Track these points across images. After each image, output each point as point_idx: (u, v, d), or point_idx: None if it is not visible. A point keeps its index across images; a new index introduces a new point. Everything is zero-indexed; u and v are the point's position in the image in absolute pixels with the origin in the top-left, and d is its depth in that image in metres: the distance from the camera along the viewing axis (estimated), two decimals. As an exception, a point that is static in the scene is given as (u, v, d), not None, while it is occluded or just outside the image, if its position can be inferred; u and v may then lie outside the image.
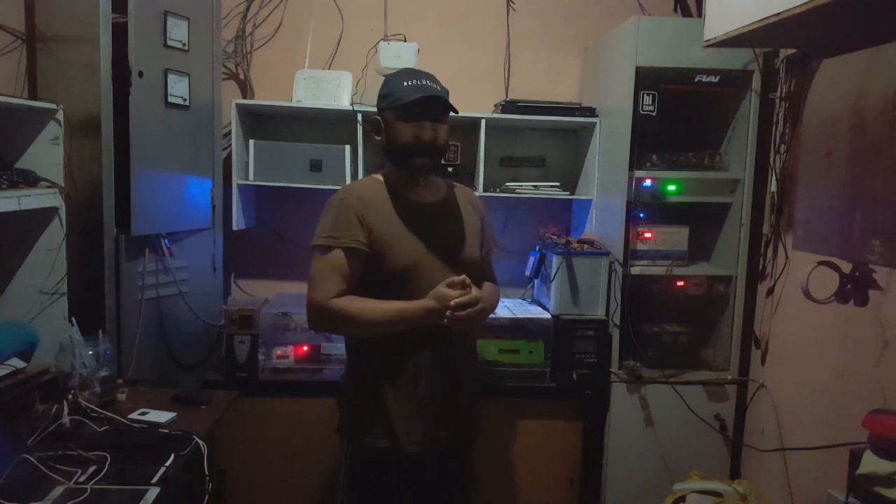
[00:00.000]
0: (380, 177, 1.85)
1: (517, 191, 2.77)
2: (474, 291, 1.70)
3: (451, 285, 1.68)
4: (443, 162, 2.69)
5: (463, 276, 1.70)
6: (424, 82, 1.73)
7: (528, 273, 2.80)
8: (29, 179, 1.92)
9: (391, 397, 1.76)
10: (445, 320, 1.66)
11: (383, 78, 1.85)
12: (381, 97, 1.79)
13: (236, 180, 2.62)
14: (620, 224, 2.51)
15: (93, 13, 2.05)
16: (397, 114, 1.73)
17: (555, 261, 2.59)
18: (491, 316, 2.57)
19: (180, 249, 2.43)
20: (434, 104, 1.72)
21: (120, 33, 2.09)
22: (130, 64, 2.10)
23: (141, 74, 2.14)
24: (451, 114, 1.77)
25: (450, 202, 1.87)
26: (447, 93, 1.77)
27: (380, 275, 1.74)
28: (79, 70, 2.12)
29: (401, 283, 1.73)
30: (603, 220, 2.71)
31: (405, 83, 1.73)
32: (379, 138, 1.80)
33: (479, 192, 2.71)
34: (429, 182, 1.85)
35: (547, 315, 2.61)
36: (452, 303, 1.66)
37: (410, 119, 1.71)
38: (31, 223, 1.98)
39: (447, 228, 1.83)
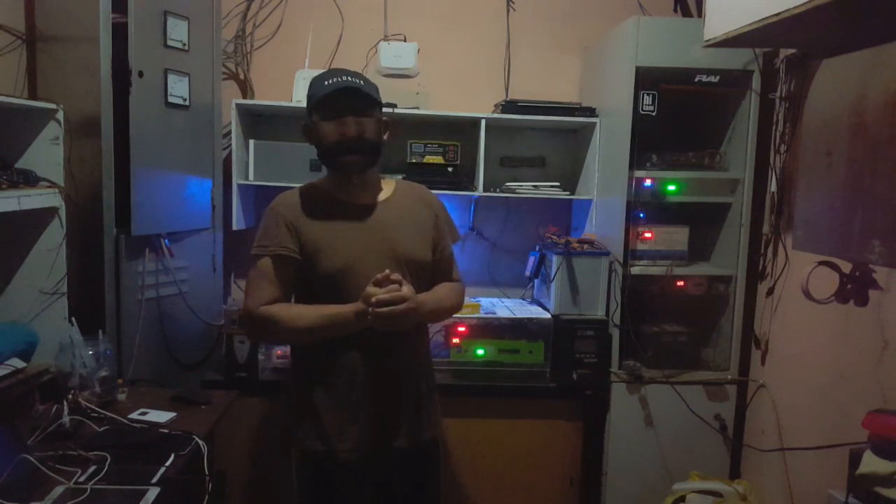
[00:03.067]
0: (315, 182, 1.81)
1: (517, 191, 2.77)
2: (404, 289, 1.60)
3: (376, 283, 1.60)
4: (444, 161, 2.72)
5: (386, 272, 1.61)
6: (345, 79, 1.66)
7: (528, 273, 2.80)
8: (29, 179, 1.92)
9: (325, 402, 1.71)
10: (368, 318, 1.59)
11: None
12: (307, 100, 1.72)
13: (236, 180, 2.62)
14: (620, 224, 2.51)
15: (93, 13, 2.05)
16: (320, 114, 1.67)
17: (555, 261, 2.59)
18: (491, 316, 2.60)
19: (180, 249, 2.43)
20: (353, 97, 1.65)
21: (120, 33, 2.09)
22: (130, 64, 2.10)
23: (141, 74, 2.14)
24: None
25: (393, 201, 1.79)
26: (376, 88, 1.72)
27: (314, 279, 1.69)
28: (79, 70, 2.12)
29: (335, 287, 1.67)
30: (603, 220, 2.71)
31: (326, 82, 1.66)
32: (311, 144, 1.74)
33: (479, 191, 2.71)
34: (367, 182, 1.76)
35: (547, 315, 2.61)
36: (373, 299, 1.57)
37: (332, 117, 1.65)
38: (31, 223, 1.98)
39: (386, 229, 1.73)
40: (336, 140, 1.66)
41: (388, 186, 1.83)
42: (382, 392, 1.71)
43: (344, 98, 1.64)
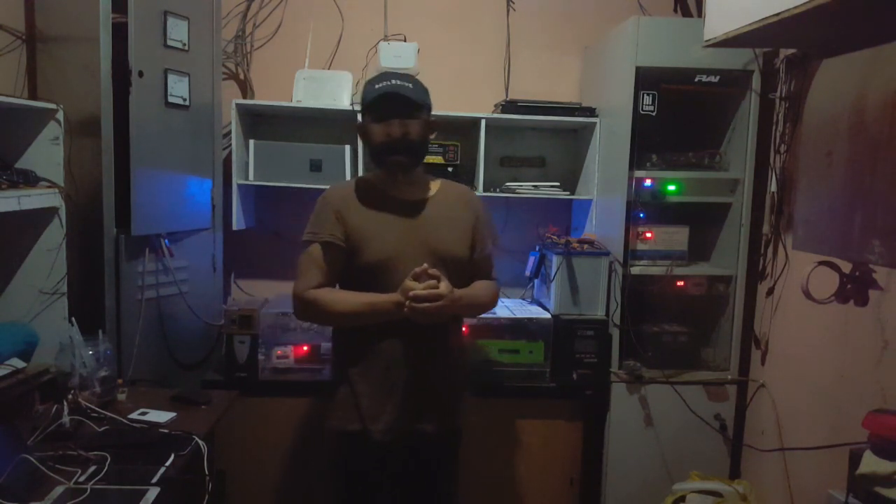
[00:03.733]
0: (367, 176, 1.94)
1: (517, 191, 2.77)
2: (442, 286, 1.71)
3: (415, 276, 1.71)
4: (444, 161, 2.72)
5: (424, 266, 1.72)
6: (393, 82, 1.77)
7: (528, 273, 2.80)
8: (29, 179, 1.92)
9: (362, 385, 1.81)
10: (405, 310, 1.69)
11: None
12: (361, 103, 1.85)
13: (236, 180, 2.62)
14: (620, 224, 2.51)
15: (93, 13, 2.05)
16: (370, 116, 1.79)
17: (555, 261, 2.59)
18: (491, 316, 2.60)
19: (180, 249, 2.43)
20: (399, 101, 1.75)
21: (120, 33, 2.09)
22: (130, 64, 2.10)
23: (141, 74, 2.14)
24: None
25: (436, 200, 1.90)
26: (424, 91, 1.82)
27: (357, 268, 1.81)
28: (79, 70, 2.12)
29: (376, 277, 1.78)
30: (603, 220, 2.71)
31: (376, 86, 1.78)
32: (363, 143, 1.86)
33: (479, 191, 2.70)
34: (413, 179, 1.88)
35: (547, 315, 2.61)
36: (411, 293, 1.69)
37: (380, 119, 1.77)
38: (31, 223, 1.98)
39: (428, 226, 1.84)
40: (383, 140, 1.78)
41: (434, 185, 1.94)
42: (417, 378, 1.81)
43: (391, 102, 1.76)
